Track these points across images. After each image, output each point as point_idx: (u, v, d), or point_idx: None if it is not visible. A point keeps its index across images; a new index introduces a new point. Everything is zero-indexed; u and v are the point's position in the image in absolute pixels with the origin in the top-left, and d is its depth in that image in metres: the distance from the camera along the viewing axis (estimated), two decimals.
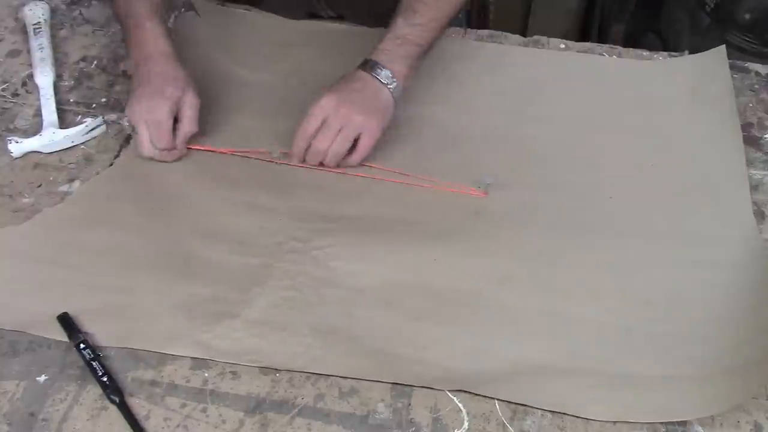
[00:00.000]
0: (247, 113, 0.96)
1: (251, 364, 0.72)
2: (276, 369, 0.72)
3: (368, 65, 0.89)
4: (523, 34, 1.09)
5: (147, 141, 0.86)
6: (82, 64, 1.01)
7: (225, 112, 0.96)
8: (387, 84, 0.88)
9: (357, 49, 1.04)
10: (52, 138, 0.90)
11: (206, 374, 0.71)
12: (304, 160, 0.89)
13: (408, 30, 0.89)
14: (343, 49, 1.05)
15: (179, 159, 0.89)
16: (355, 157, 0.88)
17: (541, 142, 0.94)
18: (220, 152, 0.91)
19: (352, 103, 0.86)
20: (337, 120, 0.86)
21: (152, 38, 0.88)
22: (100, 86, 0.99)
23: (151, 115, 0.85)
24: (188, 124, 0.88)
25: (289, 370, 0.72)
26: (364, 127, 0.86)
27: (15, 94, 0.97)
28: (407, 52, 0.89)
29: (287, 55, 1.04)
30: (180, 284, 0.77)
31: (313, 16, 1.10)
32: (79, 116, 0.94)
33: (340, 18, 1.10)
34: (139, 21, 0.88)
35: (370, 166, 0.90)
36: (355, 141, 0.87)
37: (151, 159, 0.88)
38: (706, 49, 1.05)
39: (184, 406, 0.69)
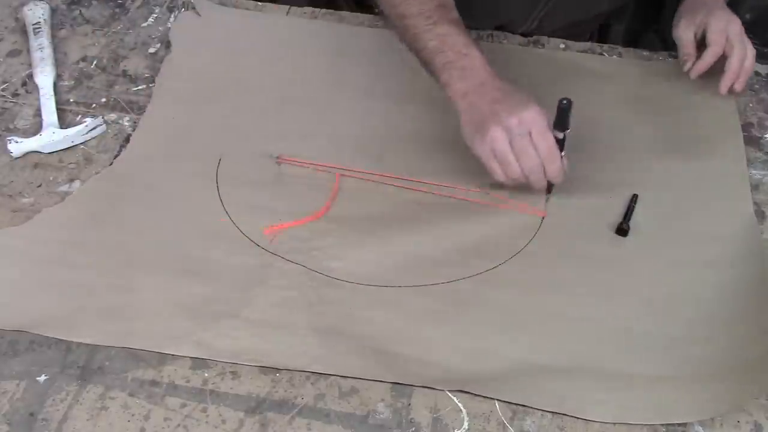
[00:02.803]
0: (246, 113, 0.96)
1: (251, 364, 0.72)
2: (276, 369, 0.72)
3: None
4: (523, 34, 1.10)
5: (531, 155, 0.79)
6: (82, 64, 1.01)
7: (224, 112, 0.96)
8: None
9: (357, 49, 1.05)
10: (52, 138, 0.90)
11: (206, 374, 0.71)
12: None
13: None
14: (344, 50, 1.05)
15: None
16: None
17: None
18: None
19: (734, 16, 0.96)
20: (737, 32, 0.94)
21: (482, 64, 0.83)
22: (100, 86, 0.99)
23: (533, 125, 0.78)
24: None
25: (289, 370, 0.72)
26: (745, 36, 0.96)
27: (15, 94, 0.97)
28: None
29: (287, 55, 1.04)
30: (180, 284, 0.77)
31: (331, 3, 1.10)
32: (79, 116, 0.94)
33: (358, 6, 1.10)
34: (463, 50, 0.83)
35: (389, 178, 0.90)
36: None
37: (510, 183, 0.82)
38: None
39: (184, 406, 0.69)
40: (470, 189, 0.88)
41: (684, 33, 0.97)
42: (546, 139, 0.79)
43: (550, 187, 0.85)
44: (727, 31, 0.94)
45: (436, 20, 0.84)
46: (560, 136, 0.80)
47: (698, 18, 0.96)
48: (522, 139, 0.79)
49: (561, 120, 0.80)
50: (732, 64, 0.94)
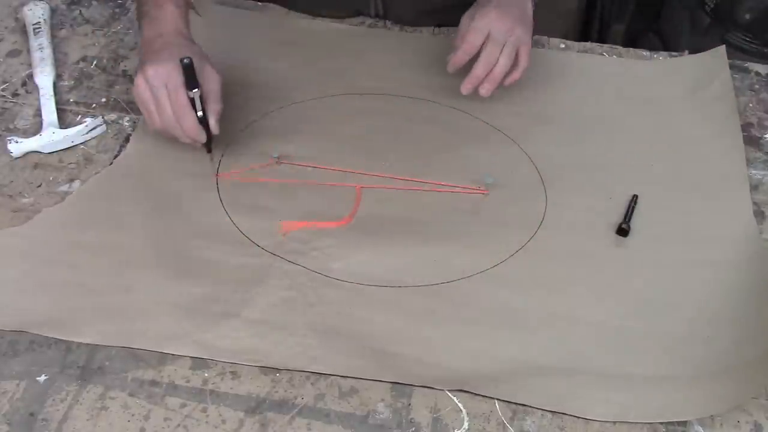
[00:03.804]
0: (246, 113, 0.96)
1: (251, 364, 0.72)
2: (276, 369, 0.72)
3: None
4: None
5: (166, 108, 0.81)
6: (82, 64, 1.01)
7: (224, 111, 0.96)
8: None
9: (357, 49, 1.05)
10: (52, 138, 0.90)
11: (206, 374, 0.71)
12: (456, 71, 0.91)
13: None
14: (344, 49, 1.05)
15: (199, 143, 0.84)
16: (518, 74, 0.91)
17: (541, 142, 0.94)
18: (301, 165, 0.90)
19: (511, 16, 0.89)
20: (502, 34, 0.88)
21: (171, 19, 0.86)
22: (100, 86, 0.99)
23: (169, 80, 0.80)
24: (215, 101, 0.84)
25: (289, 370, 0.72)
26: (522, 39, 0.90)
27: (15, 94, 0.97)
28: None
29: (287, 55, 1.04)
30: (180, 284, 0.77)
31: (359, 13, 1.10)
32: (79, 116, 0.94)
33: (385, 17, 1.10)
34: (159, 1, 0.86)
35: (372, 175, 0.90)
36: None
37: (163, 134, 0.84)
38: (706, 49, 1.05)
39: (184, 406, 0.69)
40: (469, 187, 0.88)
41: (462, 22, 0.92)
42: (177, 96, 0.81)
43: (208, 147, 0.86)
44: (490, 30, 0.89)
45: None
46: (190, 95, 0.81)
47: (478, 10, 0.91)
48: (159, 91, 0.81)
49: (187, 79, 0.81)
50: (474, 69, 0.90)
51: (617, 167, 0.92)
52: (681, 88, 1.01)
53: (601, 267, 0.81)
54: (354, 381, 0.71)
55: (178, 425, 0.68)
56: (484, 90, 0.91)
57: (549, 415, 0.70)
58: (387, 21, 1.09)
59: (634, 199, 0.87)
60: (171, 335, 0.73)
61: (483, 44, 0.89)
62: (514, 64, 0.91)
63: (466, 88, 0.92)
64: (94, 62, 1.02)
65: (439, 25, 1.07)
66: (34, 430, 0.67)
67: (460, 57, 0.91)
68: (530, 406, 0.70)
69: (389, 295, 0.78)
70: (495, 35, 0.89)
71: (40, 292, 0.76)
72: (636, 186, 0.89)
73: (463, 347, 0.74)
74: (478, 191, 0.88)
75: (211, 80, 0.83)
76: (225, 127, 0.93)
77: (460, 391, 0.71)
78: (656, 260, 0.82)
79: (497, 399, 0.70)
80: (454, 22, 1.07)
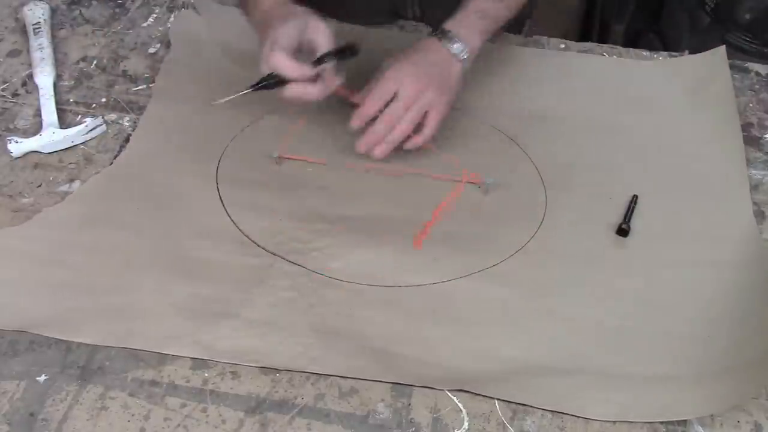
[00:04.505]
0: (246, 113, 0.96)
1: (251, 364, 0.72)
2: (276, 369, 0.72)
3: (445, 36, 0.86)
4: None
5: (287, 62, 0.76)
6: (82, 64, 1.01)
7: (224, 111, 0.96)
8: (459, 57, 0.85)
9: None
10: (52, 138, 0.90)
11: (206, 374, 0.71)
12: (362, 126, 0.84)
13: (490, 4, 0.87)
14: None
15: (322, 95, 0.79)
16: (420, 139, 0.84)
17: (541, 142, 0.94)
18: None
19: (426, 76, 0.83)
20: (411, 94, 0.82)
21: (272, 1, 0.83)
22: (100, 86, 0.99)
23: (277, 36, 0.76)
24: (325, 44, 0.78)
25: (289, 370, 0.72)
26: (434, 103, 0.83)
27: (15, 94, 0.97)
28: (485, 26, 0.87)
29: None
30: (180, 284, 0.77)
31: (397, 15, 1.08)
32: (79, 116, 0.94)
33: (422, 20, 1.08)
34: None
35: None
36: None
37: (292, 98, 0.79)
38: (706, 49, 1.05)
39: (184, 406, 0.69)
40: (472, 178, 0.88)
41: (378, 71, 0.85)
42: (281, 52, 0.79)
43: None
44: (399, 88, 0.82)
45: None
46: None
47: (393, 62, 0.84)
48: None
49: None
50: (374, 126, 0.83)
51: (617, 167, 0.92)
52: (681, 88, 1.01)
53: (601, 267, 0.81)
54: (354, 381, 0.71)
55: (178, 425, 0.68)
56: (378, 151, 0.84)
57: (549, 415, 0.70)
58: (422, 24, 1.06)
59: (634, 199, 0.87)
60: (171, 335, 0.73)
61: (390, 101, 0.82)
62: (418, 128, 0.84)
63: (360, 147, 0.84)
64: (94, 62, 1.02)
65: (590, 38, 1.05)
66: (34, 430, 0.67)
67: (361, 116, 0.83)
68: (530, 406, 0.70)
69: (389, 295, 0.78)
70: (402, 93, 0.82)
71: (40, 292, 0.76)
72: (636, 186, 0.89)
73: (463, 347, 0.74)
74: (475, 179, 0.88)
75: (316, 30, 0.80)
76: (225, 127, 0.94)
77: (460, 391, 0.71)
78: (656, 260, 0.82)
79: (497, 399, 0.70)
80: None
